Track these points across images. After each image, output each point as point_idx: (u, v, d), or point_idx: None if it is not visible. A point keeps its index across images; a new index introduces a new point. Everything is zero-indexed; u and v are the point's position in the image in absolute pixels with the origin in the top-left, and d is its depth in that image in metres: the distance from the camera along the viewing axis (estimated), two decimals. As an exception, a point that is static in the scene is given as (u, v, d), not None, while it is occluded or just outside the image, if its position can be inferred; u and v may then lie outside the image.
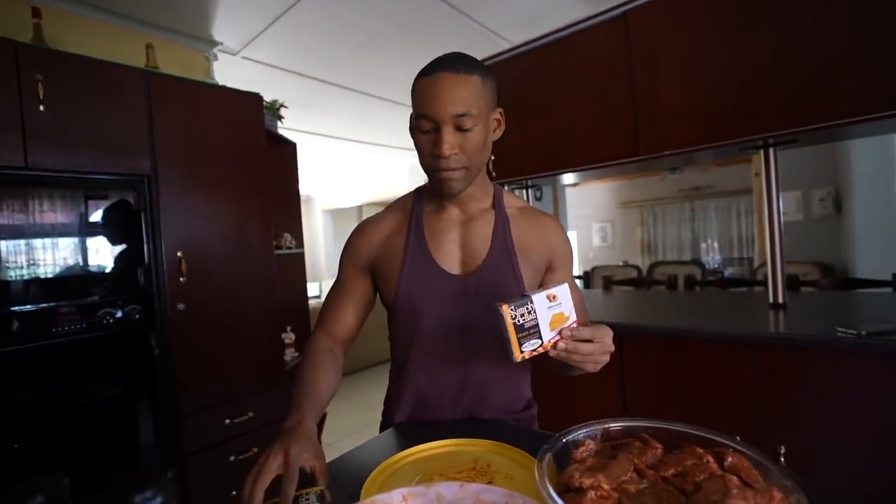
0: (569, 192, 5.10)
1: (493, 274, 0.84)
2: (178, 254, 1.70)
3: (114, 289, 1.65)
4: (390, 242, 0.87)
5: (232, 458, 1.78)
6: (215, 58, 2.34)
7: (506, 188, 1.90)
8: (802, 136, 1.61)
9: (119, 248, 1.70)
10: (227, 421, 1.79)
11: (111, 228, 1.67)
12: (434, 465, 0.69)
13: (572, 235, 6.12)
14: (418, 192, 0.92)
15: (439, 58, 0.78)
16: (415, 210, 0.89)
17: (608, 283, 2.90)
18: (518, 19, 2.35)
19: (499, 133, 0.85)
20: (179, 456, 1.69)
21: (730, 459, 0.50)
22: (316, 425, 0.68)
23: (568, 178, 2.70)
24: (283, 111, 2.36)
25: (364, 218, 0.97)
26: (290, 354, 2.22)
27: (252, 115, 1.97)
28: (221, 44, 2.34)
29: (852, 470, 1.26)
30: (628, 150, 1.85)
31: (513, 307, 0.64)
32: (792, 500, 0.43)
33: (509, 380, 0.90)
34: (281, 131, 2.42)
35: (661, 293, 2.55)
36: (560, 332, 0.67)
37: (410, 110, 0.81)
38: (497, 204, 0.90)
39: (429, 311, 0.83)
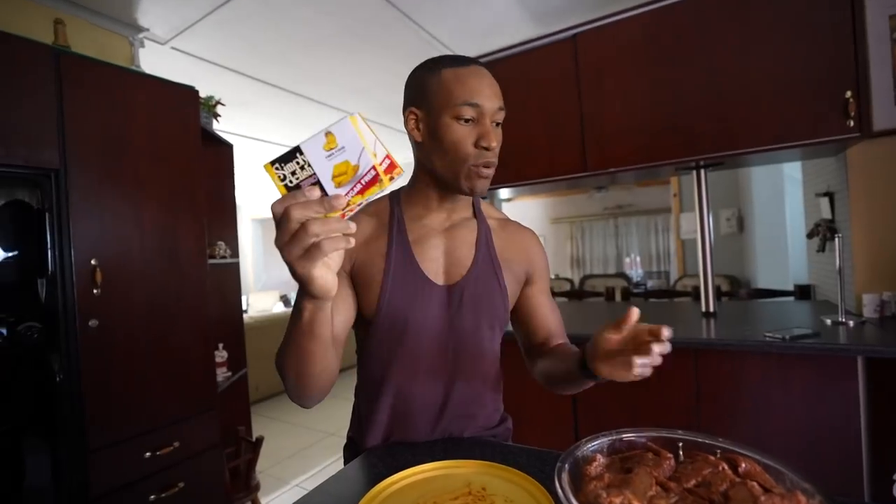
0: (504, 206, 5.26)
1: (479, 284, 0.81)
2: (93, 262, 1.47)
3: (1, 303, 1.39)
4: (371, 247, 0.80)
5: (152, 496, 1.55)
6: (142, 45, 2.10)
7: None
8: (728, 160, 1.78)
9: (11, 254, 1.43)
10: (148, 454, 1.56)
11: (3, 231, 1.41)
12: (426, 490, 0.63)
13: (509, 249, 6.28)
14: (394, 197, 0.87)
15: (457, 55, 0.78)
16: (395, 215, 0.83)
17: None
18: (469, 34, 2.38)
19: None
20: (83, 500, 1.43)
21: (743, 465, 0.50)
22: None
23: (504, 192, 2.77)
24: (219, 109, 2.17)
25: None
26: (221, 374, 2.01)
27: (186, 111, 1.78)
28: (148, 30, 2.11)
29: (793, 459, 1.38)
30: (577, 165, 1.93)
31: (277, 165, 0.50)
32: (815, 503, 0.43)
33: (488, 392, 0.86)
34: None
35: (601, 304, 2.68)
36: (360, 185, 0.50)
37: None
38: (477, 213, 0.88)
39: (414, 323, 0.77)
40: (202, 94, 2.09)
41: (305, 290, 0.52)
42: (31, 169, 1.39)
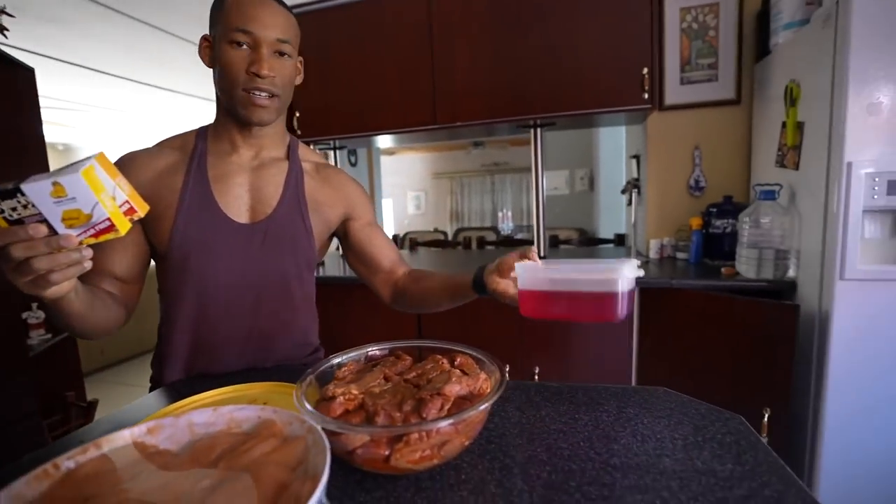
0: (385, 161, 5.21)
1: (283, 224, 0.83)
2: None
3: None
4: (164, 182, 0.78)
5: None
6: None
7: (312, 147, 1.85)
8: (559, 121, 1.99)
9: None
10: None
11: None
12: (206, 412, 0.67)
13: (388, 203, 6.31)
14: (201, 132, 0.85)
15: None
16: (197, 150, 0.81)
17: (414, 244, 3.18)
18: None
19: (299, 80, 0.86)
20: None
21: (458, 360, 0.62)
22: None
23: (384, 143, 2.78)
24: (6, 21, 1.77)
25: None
26: (37, 337, 1.79)
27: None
28: None
29: (583, 375, 1.70)
30: (427, 117, 2.00)
31: None
32: (492, 379, 0.57)
33: (296, 327, 0.91)
34: (10, 51, 1.82)
35: (459, 252, 2.89)
36: (94, 230, 0.51)
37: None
38: (292, 154, 0.89)
39: (209, 261, 0.79)
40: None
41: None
42: None
